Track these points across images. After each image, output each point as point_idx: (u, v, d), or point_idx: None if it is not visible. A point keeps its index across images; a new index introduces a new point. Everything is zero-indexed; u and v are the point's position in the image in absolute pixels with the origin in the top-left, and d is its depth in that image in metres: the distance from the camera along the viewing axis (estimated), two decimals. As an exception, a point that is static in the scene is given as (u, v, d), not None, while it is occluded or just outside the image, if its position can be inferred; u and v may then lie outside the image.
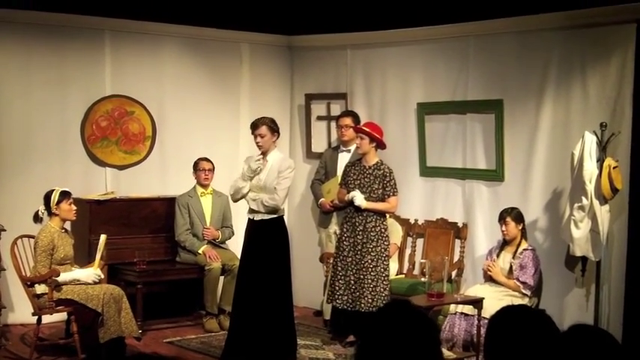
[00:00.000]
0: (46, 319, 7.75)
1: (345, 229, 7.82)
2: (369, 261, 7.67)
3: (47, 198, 7.36)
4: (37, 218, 7.48)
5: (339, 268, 7.77)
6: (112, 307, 7.11)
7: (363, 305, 7.62)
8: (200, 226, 8.75)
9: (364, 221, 7.72)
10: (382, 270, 7.70)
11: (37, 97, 8.57)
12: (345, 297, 7.72)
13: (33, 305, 7.27)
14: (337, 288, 7.76)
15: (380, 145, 7.85)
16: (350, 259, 7.72)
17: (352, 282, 7.69)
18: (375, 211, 7.75)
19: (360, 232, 7.71)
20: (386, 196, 7.77)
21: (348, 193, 7.79)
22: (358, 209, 7.72)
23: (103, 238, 7.57)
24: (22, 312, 8.06)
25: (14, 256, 7.37)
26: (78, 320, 7.17)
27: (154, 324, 8.46)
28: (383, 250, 7.75)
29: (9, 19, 8.39)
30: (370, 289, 7.64)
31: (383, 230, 7.79)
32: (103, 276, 7.46)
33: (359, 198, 7.69)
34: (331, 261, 8.04)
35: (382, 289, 7.67)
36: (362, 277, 7.65)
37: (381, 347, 2.55)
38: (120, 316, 7.19)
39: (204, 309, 8.60)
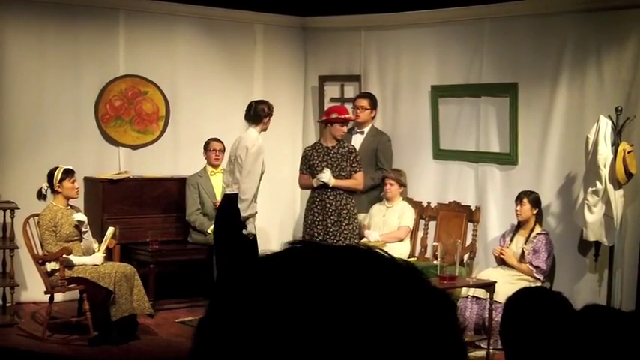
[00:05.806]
0: (59, 297, 7.80)
1: (316, 213, 7.75)
2: (342, 240, 7.67)
3: (50, 176, 7.37)
4: (40, 196, 7.48)
5: None
6: (123, 285, 7.13)
7: None
8: (211, 205, 8.73)
9: (334, 200, 7.71)
10: None
11: (51, 77, 8.56)
12: None
13: (45, 284, 7.30)
14: None
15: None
16: (325, 242, 7.68)
17: None
18: (343, 189, 7.76)
19: (332, 212, 7.69)
20: (353, 172, 7.80)
21: (313, 177, 7.79)
22: (327, 189, 7.70)
23: (110, 230, 7.57)
24: (34, 290, 8.10)
25: (26, 235, 7.40)
26: (90, 298, 7.19)
27: (166, 304, 8.47)
28: (354, 228, 7.80)
29: (23, -2, 8.40)
30: None
31: (352, 209, 7.80)
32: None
33: (327, 175, 7.68)
34: None
35: None
36: None
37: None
38: (132, 294, 7.21)
39: (215, 289, 8.60)
